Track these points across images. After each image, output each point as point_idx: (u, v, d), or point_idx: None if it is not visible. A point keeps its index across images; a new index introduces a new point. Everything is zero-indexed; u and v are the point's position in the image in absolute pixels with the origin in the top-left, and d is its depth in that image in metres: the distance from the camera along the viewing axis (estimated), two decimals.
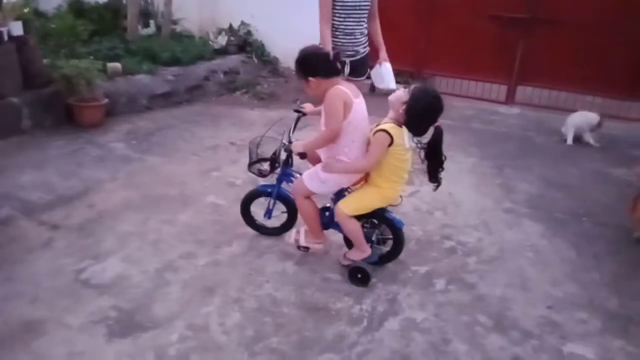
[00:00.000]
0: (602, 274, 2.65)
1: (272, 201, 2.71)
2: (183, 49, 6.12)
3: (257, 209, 2.84)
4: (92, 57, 4.90)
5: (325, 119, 2.32)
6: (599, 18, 4.92)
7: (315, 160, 2.56)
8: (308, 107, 2.67)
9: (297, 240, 2.63)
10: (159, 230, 2.90)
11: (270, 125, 2.65)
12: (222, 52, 6.64)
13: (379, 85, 3.44)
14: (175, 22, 6.84)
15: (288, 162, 2.62)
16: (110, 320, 2.18)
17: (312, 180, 2.45)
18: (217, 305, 2.29)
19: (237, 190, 3.39)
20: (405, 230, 2.96)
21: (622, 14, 4.83)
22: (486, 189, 3.63)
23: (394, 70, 3.37)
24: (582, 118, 4.55)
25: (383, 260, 2.58)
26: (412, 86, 2.26)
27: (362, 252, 2.46)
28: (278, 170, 2.61)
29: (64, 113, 4.47)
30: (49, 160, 3.79)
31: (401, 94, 2.26)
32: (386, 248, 2.60)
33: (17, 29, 4.27)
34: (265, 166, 2.59)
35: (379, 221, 2.54)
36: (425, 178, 2.51)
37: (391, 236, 2.56)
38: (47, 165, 3.71)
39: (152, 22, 6.99)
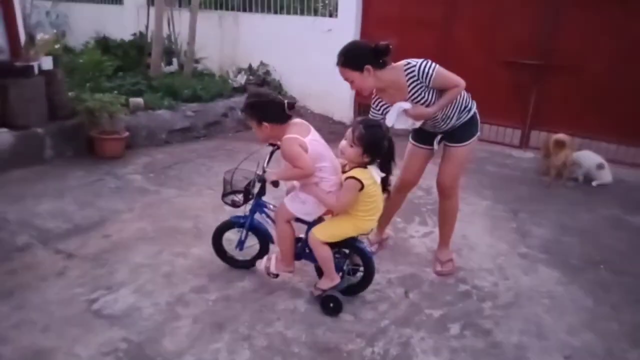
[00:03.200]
0: (621, 323, 2.57)
1: (244, 232, 2.73)
2: (203, 86, 6.32)
3: (230, 238, 2.87)
4: (116, 92, 5.08)
5: (293, 164, 2.37)
6: (613, 66, 4.99)
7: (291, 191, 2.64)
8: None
9: (267, 268, 2.67)
10: (172, 263, 2.91)
11: (245, 157, 2.71)
12: (241, 90, 6.83)
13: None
14: (197, 61, 7.10)
15: (261, 193, 2.65)
16: (120, 352, 2.16)
17: (293, 202, 2.53)
18: (227, 341, 2.27)
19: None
20: (420, 271, 2.96)
21: (635, 62, 4.90)
22: (501, 232, 3.59)
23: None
24: (586, 156, 4.71)
25: (355, 290, 2.64)
26: (357, 131, 2.26)
27: (331, 281, 2.52)
28: (251, 202, 2.67)
29: (86, 144, 4.60)
30: (68, 190, 3.87)
31: (345, 143, 2.32)
32: (355, 279, 2.65)
33: (47, 63, 4.47)
34: (239, 197, 2.64)
35: (349, 250, 2.58)
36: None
37: (361, 266, 2.61)
38: (66, 194, 3.79)
39: (174, 60, 7.26)
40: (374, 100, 2.74)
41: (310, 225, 2.54)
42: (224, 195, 2.66)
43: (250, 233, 2.74)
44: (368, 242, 3.16)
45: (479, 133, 2.84)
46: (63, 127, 4.50)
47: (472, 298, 2.74)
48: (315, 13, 6.76)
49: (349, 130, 2.30)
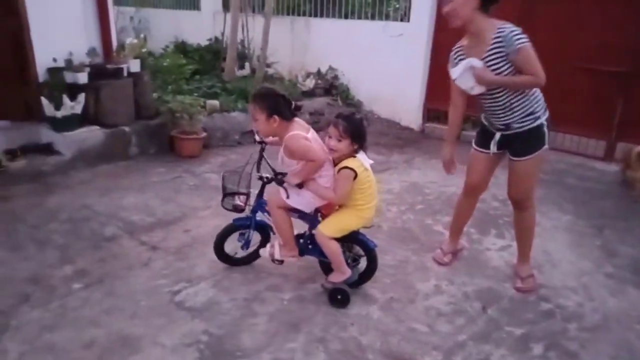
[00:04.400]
0: None
1: (250, 232, 2.77)
2: None
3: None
4: (195, 94, 5.32)
5: (304, 158, 2.41)
6: None
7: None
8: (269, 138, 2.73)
9: (271, 254, 2.70)
10: None
11: (247, 160, 2.70)
12: (309, 94, 6.93)
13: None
14: (268, 65, 7.29)
15: (262, 194, 2.69)
16: (202, 344, 2.25)
17: (288, 190, 2.54)
18: (302, 342, 2.29)
19: None
20: (498, 286, 2.84)
21: None
22: (584, 249, 3.37)
23: None
24: None
25: (358, 282, 2.68)
26: (341, 125, 2.34)
27: (342, 274, 2.55)
28: (250, 203, 2.69)
29: (167, 143, 4.86)
30: (150, 185, 4.11)
31: (333, 141, 2.38)
32: (357, 271, 2.69)
33: (135, 66, 4.78)
34: (238, 201, 2.66)
35: (352, 243, 2.64)
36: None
37: (361, 256, 2.66)
38: (149, 189, 4.02)
39: (247, 64, 7.51)
40: (455, 48, 2.63)
41: (310, 220, 2.63)
42: (224, 198, 2.68)
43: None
44: (441, 251, 3.09)
45: (546, 146, 2.60)
46: (147, 126, 4.79)
47: (555, 317, 2.59)
48: (387, 18, 6.72)
49: (331, 128, 2.38)
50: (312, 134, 2.48)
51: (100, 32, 4.61)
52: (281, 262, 2.73)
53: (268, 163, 2.63)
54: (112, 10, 4.78)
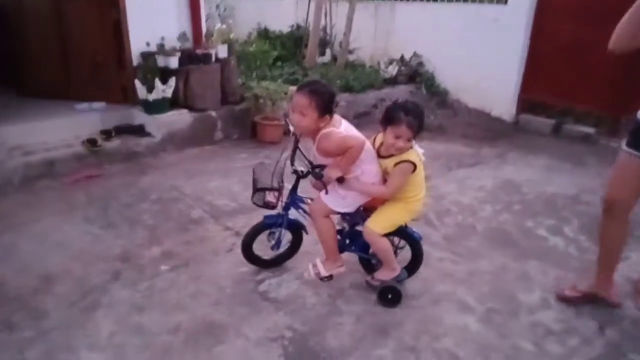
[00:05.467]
0: None
1: (282, 231, 2.54)
2: (355, 77, 6.29)
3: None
4: (280, 80, 5.28)
5: (345, 147, 2.17)
6: None
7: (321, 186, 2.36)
8: None
9: (317, 274, 2.48)
10: None
11: (281, 152, 2.44)
12: (392, 81, 6.65)
13: None
14: (351, 52, 7.10)
15: (295, 188, 2.46)
16: (286, 340, 2.15)
17: (331, 197, 2.33)
18: (392, 349, 2.12)
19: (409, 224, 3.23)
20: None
21: None
22: None
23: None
24: None
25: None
26: (404, 122, 2.13)
27: (392, 271, 2.41)
28: (282, 199, 2.45)
29: (249, 129, 4.86)
30: (234, 170, 4.12)
31: (399, 142, 2.17)
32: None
33: (222, 51, 4.81)
34: (270, 197, 2.41)
35: (398, 237, 2.47)
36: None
37: (400, 248, 2.50)
38: (233, 174, 4.02)
39: (328, 51, 7.37)
40: None
41: (352, 216, 2.42)
42: (254, 193, 2.44)
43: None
44: (572, 288, 2.52)
45: None
46: (232, 111, 4.82)
47: None
48: (481, 0, 6.23)
49: (402, 129, 2.13)
50: (344, 124, 2.25)
51: (191, 17, 4.67)
52: (330, 277, 2.51)
53: (304, 155, 2.39)
54: None
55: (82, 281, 2.54)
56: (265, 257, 2.68)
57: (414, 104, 2.24)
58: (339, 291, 2.51)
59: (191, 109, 4.59)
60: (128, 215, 3.30)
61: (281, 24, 8.34)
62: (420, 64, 6.85)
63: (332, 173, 2.22)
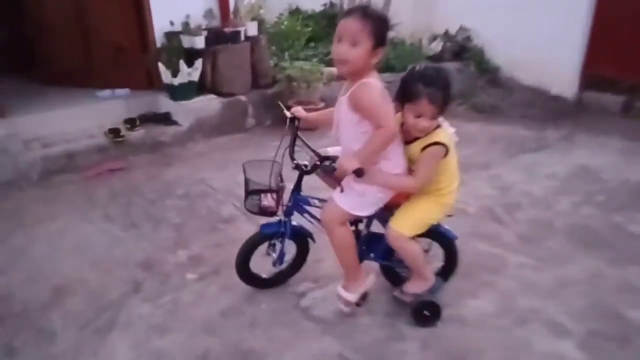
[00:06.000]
0: None
1: (285, 242, 2.05)
2: (396, 55, 5.78)
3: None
4: (314, 60, 4.82)
5: (372, 117, 1.70)
6: None
7: (334, 182, 1.87)
8: (300, 111, 2.01)
9: (348, 303, 1.98)
10: None
11: (278, 146, 1.94)
12: (436, 59, 6.07)
13: None
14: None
15: (298, 187, 1.95)
16: None
17: (346, 197, 1.82)
18: None
19: (472, 220, 2.76)
20: None
21: None
22: None
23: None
24: None
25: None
26: (426, 95, 1.68)
27: (425, 281, 1.96)
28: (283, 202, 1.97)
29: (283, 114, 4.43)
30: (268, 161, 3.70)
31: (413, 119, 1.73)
32: None
33: (252, 29, 4.38)
34: (267, 201, 1.93)
35: (429, 237, 1.99)
36: None
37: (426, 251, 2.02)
38: (266, 165, 3.61)
39: None
40: None
41: (370, 218, 1.96)
42: (247, 196, 1.99)
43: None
44: None
45: None
46: (264, 95, 4.39)
47: None
48: None
49: (423, 105, 1.69)
50: (387, 95, 1.77)
51: None
52: (366, 296, 2.01)
53: (307, 145, 1.93)
54: None
55: (97, 294, 2.19)
56: (265, 276, 2.20)
57: (436, 70, 1.79)
58: (398, 309, 2.05)
59: (219, 93, 4.19)
60: (152, 212, 2.96)
61: (313, 3, 7.86)
62: (468, 38, 6.22)
63: (347, 164, 1.68)
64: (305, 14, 7.67)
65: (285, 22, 5.47)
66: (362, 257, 2.02)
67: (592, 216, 2.84)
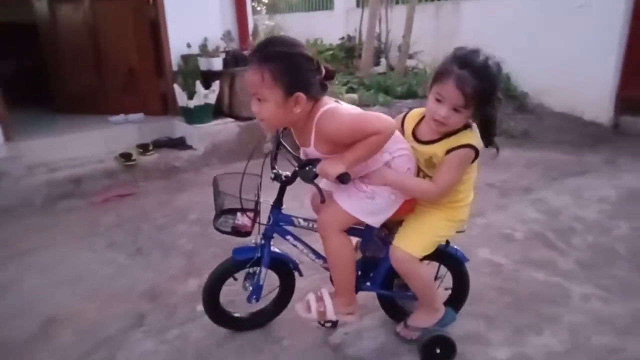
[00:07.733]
0: None
1: (262, 271, 1.66)
2: (418, 81, 5.63)
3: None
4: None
5: (364, 131, 1.37)
6: None
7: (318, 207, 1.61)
8: None
9: (321, 313, 1.60)
10: None
11: (249, 156, 1.67)
12: None
13: None
14: (411, 56, 6.42)
15: (280, 204, 1.63)
16: None
17: (352, 198, 1.51)
18: None
19: (517, 245, 2.44)
20: None
21: None
22: None
23: None
24: None
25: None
26: (466, 85, 1.36)
27: (435, 312, 1.66)
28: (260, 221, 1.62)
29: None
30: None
31: (444, 110, 1.42)
32: None
33: None
34: (241, 219, 1.59)
35: (435, 259, 1.68)
36: None
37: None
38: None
39: (382, 60, 6.77)
40: None
41: (368, 233, 1.63)
42: (218, 215, 1.67)
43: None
44: None
45: None
46: None
47: None
48: None
49: (449, 87, 1.38)
50: (345, 104, 1.48)
51: (236, 14, 4.16)
52: (335, 324, 1.76)
53: (290, 151, 1.63)
54: None
55: (93, 328, 1.89)
56: (238, 315, 1.83)
57: (483, 55, 1.42)
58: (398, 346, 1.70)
59: (237, 117, 4.00)
60: (161, 239, 2.68)
61: (331, 37, 7.87)
62: None
63: (331, 168, 1.37)
64: (324, 46, 7.68)
65: None
66: (357, 286, 1.68)
67: None
